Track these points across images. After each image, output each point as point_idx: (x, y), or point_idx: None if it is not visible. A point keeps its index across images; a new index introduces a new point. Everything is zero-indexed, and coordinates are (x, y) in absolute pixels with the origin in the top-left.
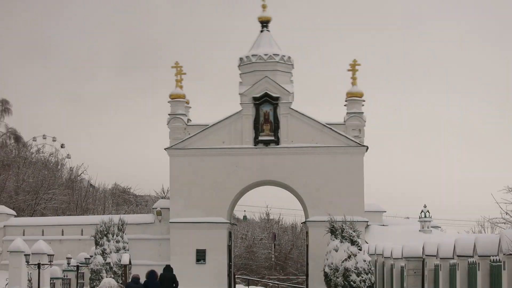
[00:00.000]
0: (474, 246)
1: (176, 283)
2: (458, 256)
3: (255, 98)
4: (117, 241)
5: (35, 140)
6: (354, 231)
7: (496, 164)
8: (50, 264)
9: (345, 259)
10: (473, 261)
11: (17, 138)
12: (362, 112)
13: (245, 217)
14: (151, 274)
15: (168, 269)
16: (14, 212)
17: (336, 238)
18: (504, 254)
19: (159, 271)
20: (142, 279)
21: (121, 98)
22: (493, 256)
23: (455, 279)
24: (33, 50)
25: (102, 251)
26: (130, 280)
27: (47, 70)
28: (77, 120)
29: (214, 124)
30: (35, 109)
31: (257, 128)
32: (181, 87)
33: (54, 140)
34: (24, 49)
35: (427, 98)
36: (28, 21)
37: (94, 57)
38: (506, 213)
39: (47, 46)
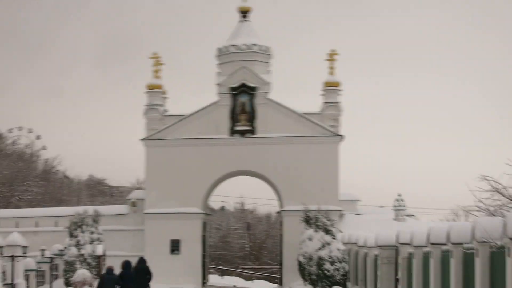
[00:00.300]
0: (448, 234)
1: (150, 274)
2: (431, 244)
3: (232, 88)
4: (92, 232)
5: (11, 132)
6: (328, 220)
7: (470, 153)
8: (24, 256)
9: (319, 248)
10: (446, 249)
11: None
12: (339, 102)
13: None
14: (126, 264)
15: (141, 261)
16: None
17: (311, 228)
18: (477, 242)
19: (134, 262)
20: (117, 270)
21: (98, 90)
22: (466, 243)
23: (428, 267)
24: (10, 41)
25: (76, 242)
26: (104, 272)
27: (25, 62)
28: (55, 112)
29: (190, 115)
30: (13, 101)
31: (234, 118)
32: (158, 77)
33: (30, 132)
34: (1, 42)
35: (404, 89)
36: (6, 12)
37: (73, 49)
38: (480, 201)
39: (24, 38)
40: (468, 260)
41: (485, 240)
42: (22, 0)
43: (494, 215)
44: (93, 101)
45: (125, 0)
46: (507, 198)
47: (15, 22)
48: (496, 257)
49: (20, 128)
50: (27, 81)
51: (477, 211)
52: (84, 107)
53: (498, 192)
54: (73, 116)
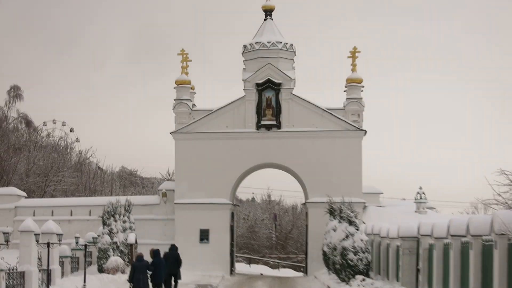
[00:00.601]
0: (467, 226)
1: (180, 261)
2: (451, 235)
3: (258, 84)
4: (124, 221)
5: (45, 125)
6: (352, 212)
7: (489, 148)
8: (59, 243)
9: (343, 239)
10: (466, 241)
11: (28, 123)
12: (361, 98)
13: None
14: (155, 252)
15: (173, 248)
16: (25, 194)
17: (335, 219)
18: (496, 234)
19: (164, 250)
20: (146, 258)
21: (129, 85)
22: (485, 235)
23: (448, 258)
24: (44, 37)
25: (109, 230)
26: (135, 259)
27: (58, 57)
28: (87, 105)
29: (218, 109)
30: (46, 95)
31: (260, 113)
32: (186, 73)
33: (63, 125)
34: (34, 36)
35: (425, 84)
36: (39, 9)
37: (105, 45)
38: (499, 195)
39: (58, 34)
40: (486, 252)
41: (503, 233)
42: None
43: None
44: (124, 95)
45: (156, 0)
46: None
47: (47, 16)
48: None
49: (54, 121)
50: (60, 75)
51: (496, 204)
52: (116, 101)
53: None
54: (105, 109)
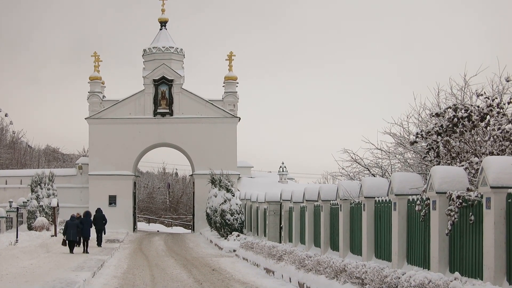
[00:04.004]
0: (319, 193)
1: (105, 220)
2: (306, 200)
3: (154, 80)
4: (48, 189)
5: None
6: (229, 182)
7: (336, 131)
8: None
9: (222, 203)
10: (318, 204)
11: None
12: (236, 92)
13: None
14: (86, 213)
15: (99, 210)
16: None
17: (215, 187)
18: (340, 199)
19: (81, 212)
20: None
21: (59, 79)
22: (332, 200)
23: (304, 218)
24: None
25: (36, 196)
26: (69, 219)
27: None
28: (27, 97)
29: (123, 100)
30: None
31: (156, 103)
32: (98, 71)
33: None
34: None
35: (288, 80)
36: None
37: (48, 48)
38: (343, 168)
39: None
40: (334, 213)
41: (346, 198)
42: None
43: (353, 179)
44: (55, 88)
45: (84, 14)
46: (363, 166)
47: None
48: (355, 210)
49: None
50: (8, 72)
51: (341, 176)
52: (48, 93)
53: (355, 161)
54: (39, 99)
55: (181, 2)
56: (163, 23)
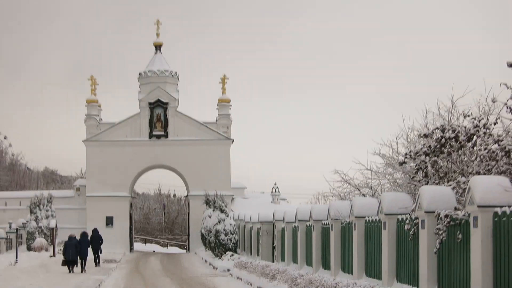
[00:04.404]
0: (310, 213)
1: (101, 240)
2: (299, 220)
3: (150, 103)
4: (47, 210)
5: None
6: (223, 202)
7: (327, 153)
8: None
9: (216, 223)
10: (309, 224)
11: None
12: (229, 114)
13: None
14: (83, 234)
15: (96, 231)
16: None
17: (210, 208)
18: (331, 219)
19: (78, 233)
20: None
21: (56, 102)
22: (324, 220)
23: (296, 237)
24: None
25: (35, 217)
26: (67, 239)
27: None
28: (27, 120)
29: (119, 122)
30: None
31: (152, 125)
32: (95, 94)
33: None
34: None
35: (280, 103)
36: None
37: (47, 72)
38: (334, 189)
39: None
40: (325, 232)
41: (337, 218)
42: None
43: (344, 199)
44: (53, 111)
45: (78, 35)
46: (353, 186)
47: None
48: (346, 230)
49: None
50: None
51: (332, 196)
52: (46, 116)
53: (346, 182)
54: (37, 122)
55: (176, 26)
56: (158, 47)
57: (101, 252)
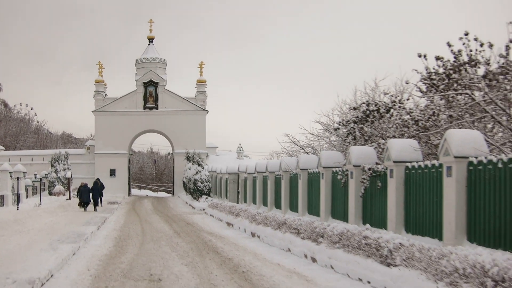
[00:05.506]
0: (266, 166)
1: (102, 186)
2: (257, 172)
3: (144, 83)
4: (64, 164)
5: (15, 106)
6: (199, 158)
7: (281, 121)
8: (24, 178)
9: (195, 174)
10: (266, 175)
11: (5, 105)
12: (205, 91)
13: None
14: (95, 182)
15: (98, 180)
16: (3, 148)
17: (190, 162)
18: (282, 171)
19: (90, 182)
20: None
21: (77, 83)
22: (276, 171)
23: (256, 185)
24: (20, 46)
25: (55, 170)
26: (80, 186)
27: (37, 63)
28: (53, 95)
29: (120, 97)
30: (16, 84)
31: (145, 99)
32: (102, 75)
33: (26, 106)
34: (18, 45)
35: (247, 82)
36: (21, 23)
37: (66, 59)
38: (284, 148)
39: (31, 44)
40: (277, 181)
41: (287, 170)
42: (32, 19)
43: (292, 156)
44: (70, 88)
45: (90, 30)
46: (299, 146)
47: (28, 30)
48: (293, 179)
49: (20, 104)
50: (34, 73)
51: (282, 153)
52: (64, 92)
53: (294, 143)
54: (57, 96)
55: (165, 24)
56: (151, 40)
57: (102, 196)
